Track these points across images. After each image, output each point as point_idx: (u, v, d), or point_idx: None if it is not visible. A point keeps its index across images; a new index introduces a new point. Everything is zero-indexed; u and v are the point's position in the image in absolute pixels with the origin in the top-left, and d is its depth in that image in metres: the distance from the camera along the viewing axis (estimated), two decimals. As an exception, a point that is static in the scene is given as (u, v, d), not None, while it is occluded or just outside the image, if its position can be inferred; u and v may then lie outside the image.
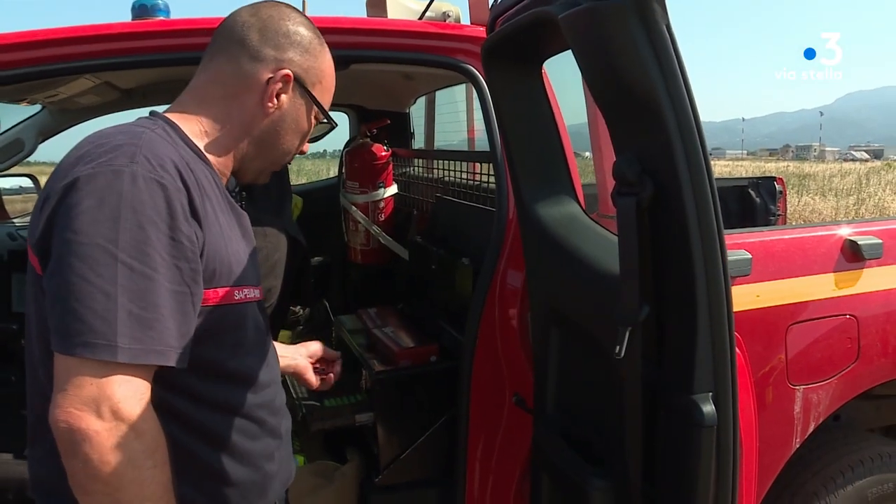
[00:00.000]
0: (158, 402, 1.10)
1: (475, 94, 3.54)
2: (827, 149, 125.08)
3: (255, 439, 1.28)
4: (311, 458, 2.54)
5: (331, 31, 2.02)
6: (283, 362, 1.58)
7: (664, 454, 1.24)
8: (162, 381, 1.11)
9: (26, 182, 4.16)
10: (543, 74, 1.84)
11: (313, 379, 1.71)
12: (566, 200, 1.72)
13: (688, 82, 1.05)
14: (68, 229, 1.03)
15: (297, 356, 1.70)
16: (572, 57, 1.35)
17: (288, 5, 1.36)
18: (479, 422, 2.09)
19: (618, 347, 1.17)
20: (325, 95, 1.36)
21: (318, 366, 1.75)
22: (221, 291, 1.19)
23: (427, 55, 2.17)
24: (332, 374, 1.76)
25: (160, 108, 1.31)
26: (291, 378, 2.65)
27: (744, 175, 6.87)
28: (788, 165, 38.00)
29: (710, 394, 1.14)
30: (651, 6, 1.01)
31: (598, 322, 1.42)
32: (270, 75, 1.27)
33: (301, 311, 3.51)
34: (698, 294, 1.11)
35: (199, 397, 1.20)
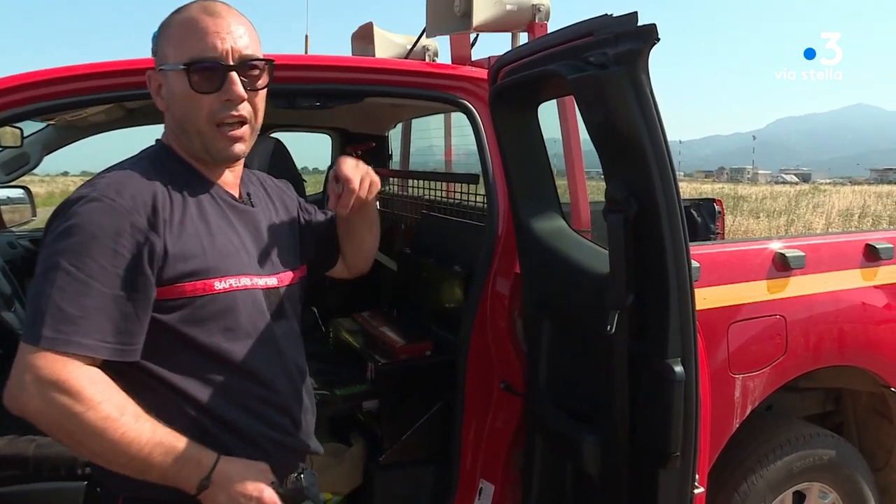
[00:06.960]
0: (147, 376, 1.29)
1: (453, 124, 3.89)
2: (759, 172, 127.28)
3: (252, 420, 1.38)
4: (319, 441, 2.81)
5: (350, 70, 2.36)
6: None
7: (645, 407, 1.59)
8: (158, 359, 1.29)
9: (18, 193, 4.22)
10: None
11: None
12: (555, 217, 2.06)
13: (664, 130, 1.42)
14: (42, 244, 1.27)
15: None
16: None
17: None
18: (472, 406, 2.32)
19: (609, 327, 1.53)
20: (182, 47, 1.34)
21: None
22: (199, 284, 1.31)
23: (431, 91, 2.40)
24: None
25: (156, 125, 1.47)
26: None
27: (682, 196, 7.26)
28: (723, 187, 39.03)
29: (679, 358, 1.51)
30: (640, 77, 1.39)
31: (587, 309, 1.77)
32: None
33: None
34: (671, 285, 1.48)
35: (196, 375, 1.32)
